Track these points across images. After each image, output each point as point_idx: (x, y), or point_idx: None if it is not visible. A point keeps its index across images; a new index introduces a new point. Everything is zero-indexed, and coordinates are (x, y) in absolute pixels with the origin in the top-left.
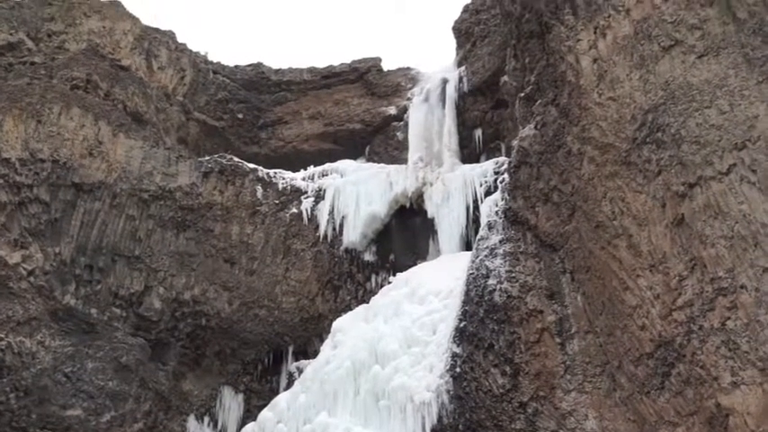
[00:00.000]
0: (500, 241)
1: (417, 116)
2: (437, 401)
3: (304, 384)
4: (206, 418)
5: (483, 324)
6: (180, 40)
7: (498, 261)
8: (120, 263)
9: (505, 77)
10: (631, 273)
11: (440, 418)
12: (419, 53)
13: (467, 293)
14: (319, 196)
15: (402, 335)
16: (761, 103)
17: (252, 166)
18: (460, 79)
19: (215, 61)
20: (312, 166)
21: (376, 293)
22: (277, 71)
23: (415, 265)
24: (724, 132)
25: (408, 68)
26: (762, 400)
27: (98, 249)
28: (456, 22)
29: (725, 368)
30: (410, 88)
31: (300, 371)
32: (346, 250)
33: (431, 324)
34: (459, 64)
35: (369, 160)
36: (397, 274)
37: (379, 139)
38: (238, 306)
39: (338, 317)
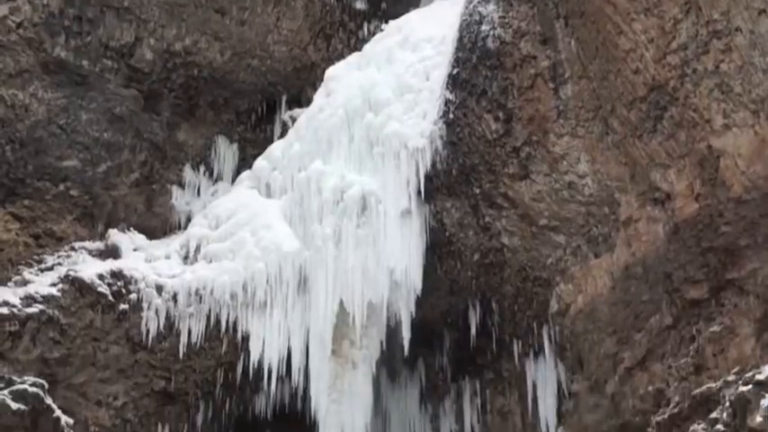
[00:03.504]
0: None
1: None
2: (431, 147)
3: (298, 133)
4: (201, 168)
5: (476, 70)
6: None
7: (491, 7)
8: (109, 14)
9: None
10: (626, 17)
11: (433, 164)
12: None
13: (459, 40)
14: None
15: (395, 82)
16: None
17: None
18: None
19: None
20: None
21: (368, 42)
22: None
23: (408, 12)
24: None
25: None
26: (753, 141)
27: (86, 0)
28: None
29: (717, 111)
30: None
31: (294, 120)
32: None
33: (424, 71)
34: None
35: None
36: (390, 21)
37: None
38: (230, 56)
39: (331, 65)
